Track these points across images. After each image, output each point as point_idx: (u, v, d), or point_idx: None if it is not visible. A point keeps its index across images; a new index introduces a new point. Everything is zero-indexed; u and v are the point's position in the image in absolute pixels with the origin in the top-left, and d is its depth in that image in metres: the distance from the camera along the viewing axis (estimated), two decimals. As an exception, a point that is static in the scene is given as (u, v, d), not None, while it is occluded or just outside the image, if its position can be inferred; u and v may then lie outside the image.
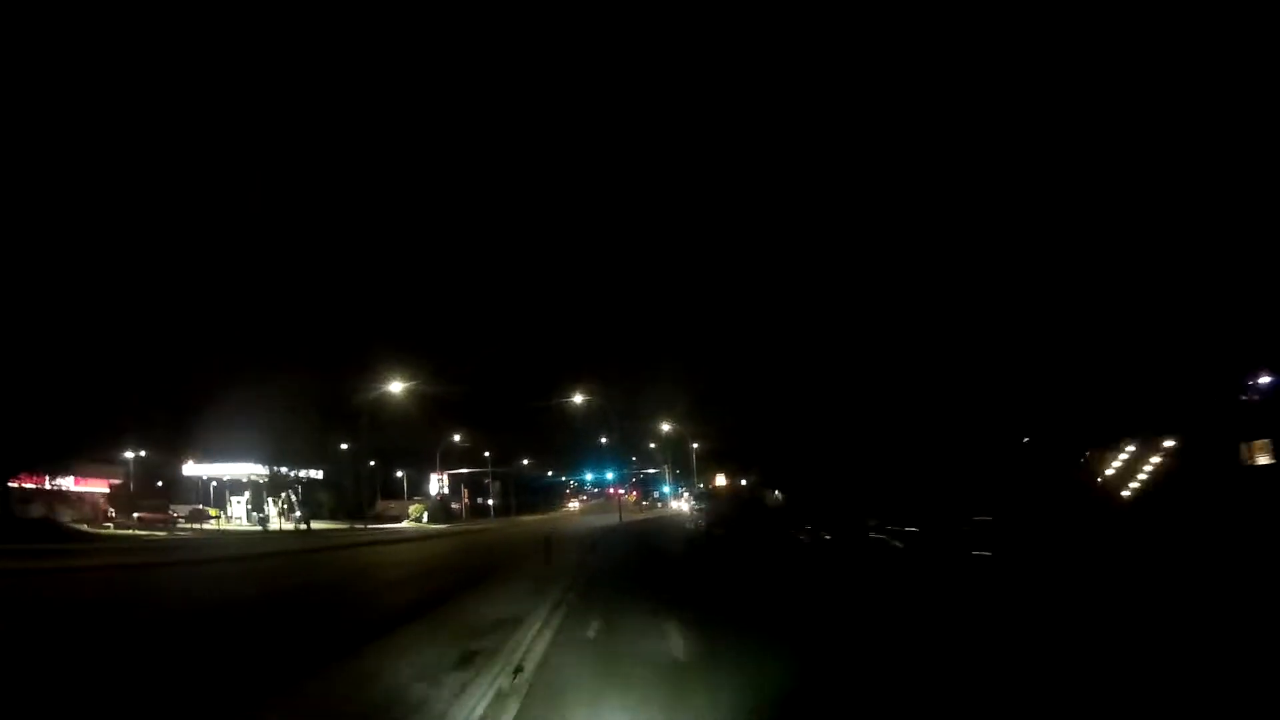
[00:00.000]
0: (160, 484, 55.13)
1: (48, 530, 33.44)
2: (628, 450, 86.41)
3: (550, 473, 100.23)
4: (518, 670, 7.15)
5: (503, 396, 71.73)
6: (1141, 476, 21.16)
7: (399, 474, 72.42)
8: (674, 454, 75.86)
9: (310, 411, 50.95)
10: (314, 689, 6.70)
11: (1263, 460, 18.58)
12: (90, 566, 22.53)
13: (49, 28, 30.78)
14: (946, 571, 16.67)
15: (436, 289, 62.99)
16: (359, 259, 52.58)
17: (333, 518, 55.85)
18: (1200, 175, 21.60)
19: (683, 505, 78.42)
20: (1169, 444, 20.99)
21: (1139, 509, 20.15)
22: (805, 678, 6.87)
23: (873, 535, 24.18)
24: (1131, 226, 22.04)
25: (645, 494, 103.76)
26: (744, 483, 44.24)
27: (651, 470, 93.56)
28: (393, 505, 66.52)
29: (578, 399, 51.38)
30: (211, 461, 54.38)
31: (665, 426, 63.83)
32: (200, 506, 53.44)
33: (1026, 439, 25.56)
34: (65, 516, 43.22)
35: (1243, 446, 19.07)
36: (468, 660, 7.39)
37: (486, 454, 77.83)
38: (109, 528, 42.61)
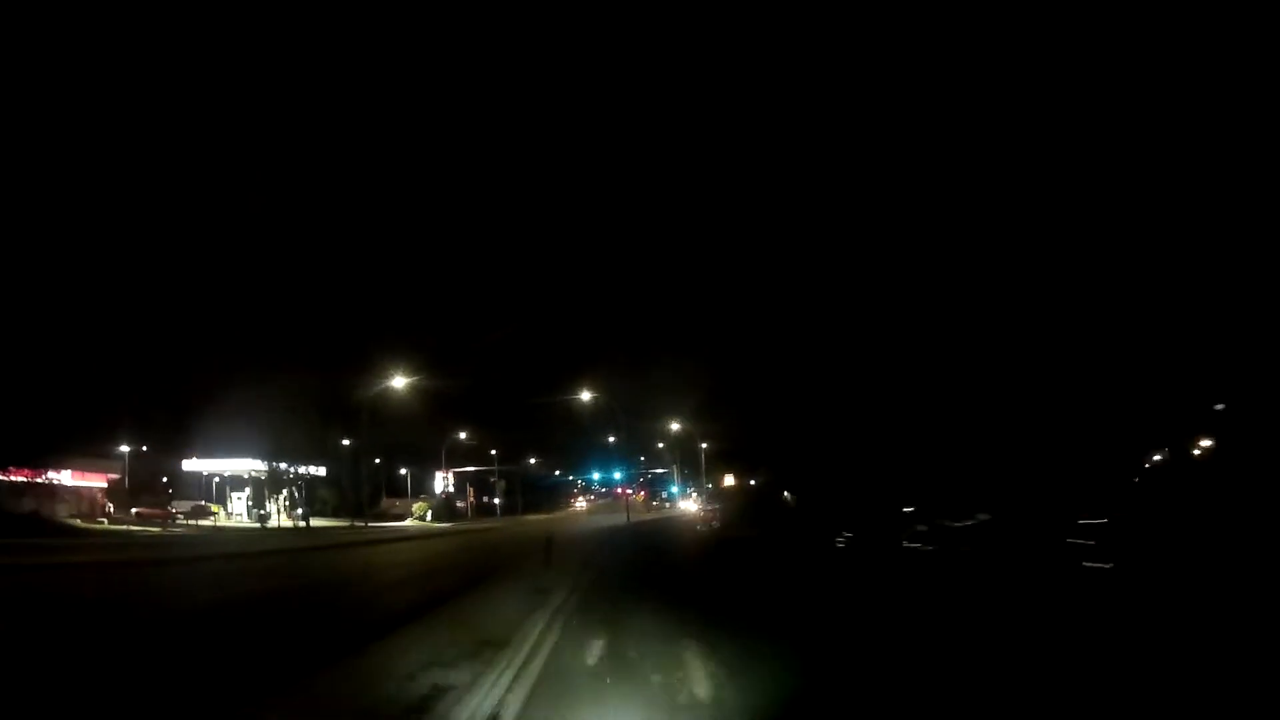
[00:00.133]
0: (165, 480, 54.65)
1: (34, 525, 32.40)
2: (635, 450, 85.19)
3: (557, 472, 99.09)
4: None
5: (509, 394, 70.55)
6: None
7: (402, 471, 71.36)
8: (682, 454, 74.57)
9: (312, 407, 49.89)
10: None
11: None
12: (71, 563, 21.44)
13: (49, 25, 29.78)
14: (1057, 591, 12.98)
15: (443, 284, 61.93)
16: (363, 252, 51.58)
17: (336, 515, 54.73)
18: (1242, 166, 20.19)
19: (691, 505, 77.08)
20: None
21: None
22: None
23: (919, 544, 20.62)
24: (1192, 217, 20.51)
25: (653, 494, 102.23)
26: (752, 483, 42.40)
27: (660, 470, 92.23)
28: (398, 503, 65.42)
29: (585, 396, 50.02)
30: (211, 457, 53.41)
31: (674, 426, 62.46)
32: (202, 503, 52.67)
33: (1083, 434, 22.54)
34: (61, 512, 42.46)
35: None
36: (425, 708, 5.77)
37: (493, 452, 76.77)
38: (103, 523, 41.57)
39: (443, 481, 69.33)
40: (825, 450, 32.28)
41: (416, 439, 64.01)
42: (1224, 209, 20.30)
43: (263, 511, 50.27)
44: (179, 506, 50.75)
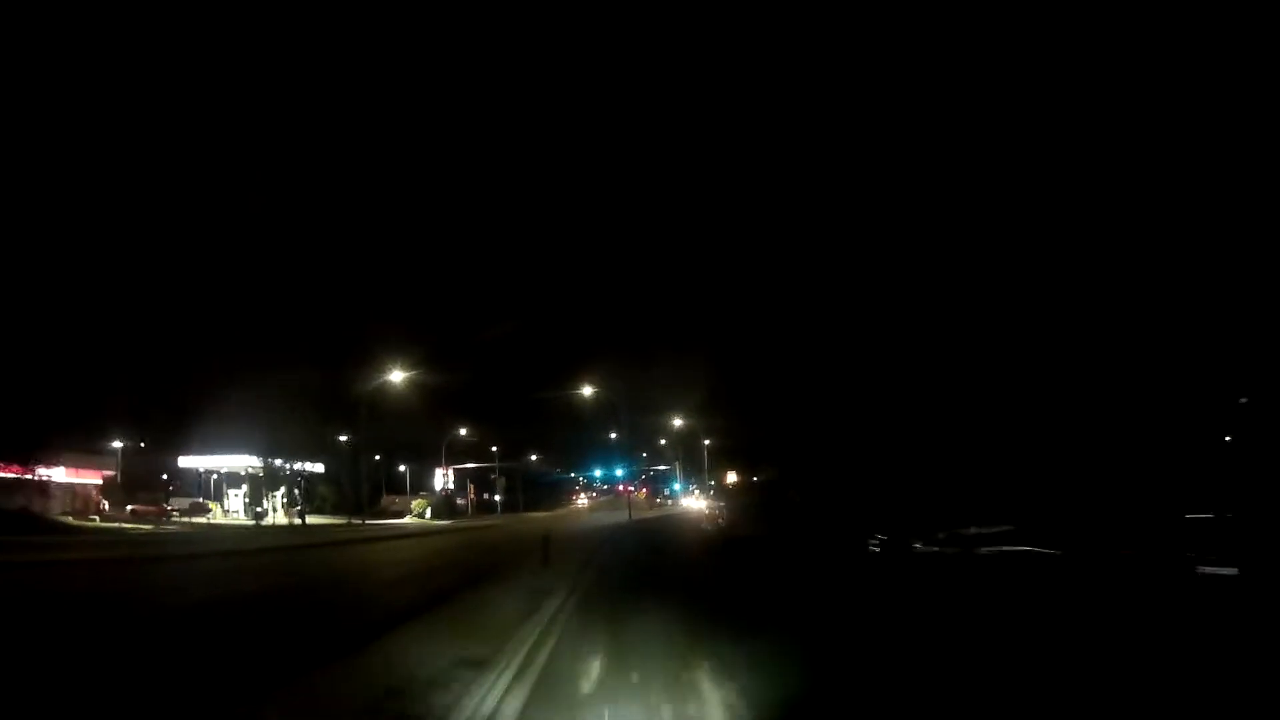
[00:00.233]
0: (165, 476, 54.16)
1: (23, 522, 31.79)
2: (637, 447, 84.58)
3: (558, 469, 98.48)
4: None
5: (511, 390, 69.95)
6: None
7: (401, 468, 70.70)
8: (685, 450, 73.89)
9: (310, 403, 49.12)
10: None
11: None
12: (57, 560, 20.86)
13: (46, 21, 29.03)
14: (1177, 604, 10.67)
15: (443, 279, 61.08)
16: (363, 247, 50.78)
17: (335, 513, 54.02)
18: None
19: (694, 503, 76.34)
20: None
21: None
22: None
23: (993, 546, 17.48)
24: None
25: (655, 491, 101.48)
26: (755, 479, 41.17)
27: (662, 467, 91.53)
28: (398, 500, 64.86)
29: (586, 391, 49.25)
30: (209, 453, 52.77)
31: (676, 422, 61.75)
32: (200, 500, 52.11)
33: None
34: (55, 509, 41.89)
35: None
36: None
37: (494, 449, 76.13)
38: (95, 520, 40.88)
39: (442, 478, 68.62)
40: (837, 444, 30.92)
41: (417, 435, 63.49)
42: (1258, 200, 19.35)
43: (259, 509, 49.51)
44: (176, 504, 50.16)
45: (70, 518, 39.84)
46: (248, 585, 15.75)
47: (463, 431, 68.76)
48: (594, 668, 7.45)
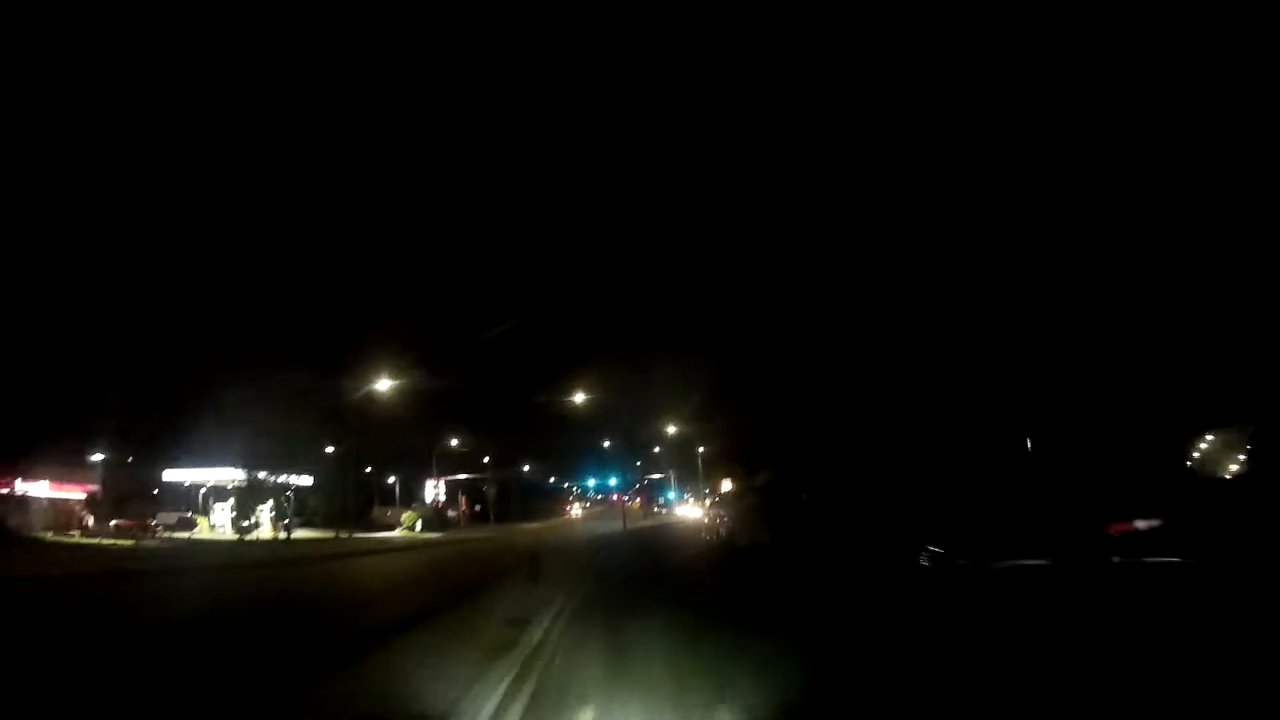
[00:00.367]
0: (156, 491, 53.42)
1: (-8, 537, 30.88)
2: (631, 455, 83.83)
3: (552, 479, 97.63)
4: None
5: (502, 400, 68.94)
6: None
7: (390, 480, 69.74)
8: (679, 458, 73.16)
9: (297, 413, 48.14)
10: None
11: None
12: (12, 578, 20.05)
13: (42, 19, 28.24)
14: None
15: (431, 284, 60.11)
16: (351, 252, 49.79)
17: (327, 525, 53.02)
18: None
19: (690, 511, 75.54)
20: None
21: None
22: None
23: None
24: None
25: (649, 500, 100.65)
26: (755, 483, 39.59)
27: (656, 475, 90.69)
28: (390, 512, 63.79)
29: (579, 398, 48.42)
30: (193, 466, 51.89)
31: (671, 429, 61.01)
32: (187, 514, 51.29)
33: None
34: (37, 524, 41.05)
35: None
36: None
37: (486, 459, 75.26)
38: (74, 535, 39.90)
39: (433, 490, 67.66)
40: (850, 444, 28.53)
41: (408, 446, 62.60)
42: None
43: (245, 523, 48.53)
44: (164, 518, 49.26)
45: (49, 533, 38.78)
46: (181, 610, 14.62)
47: (454, 441, 67.91)
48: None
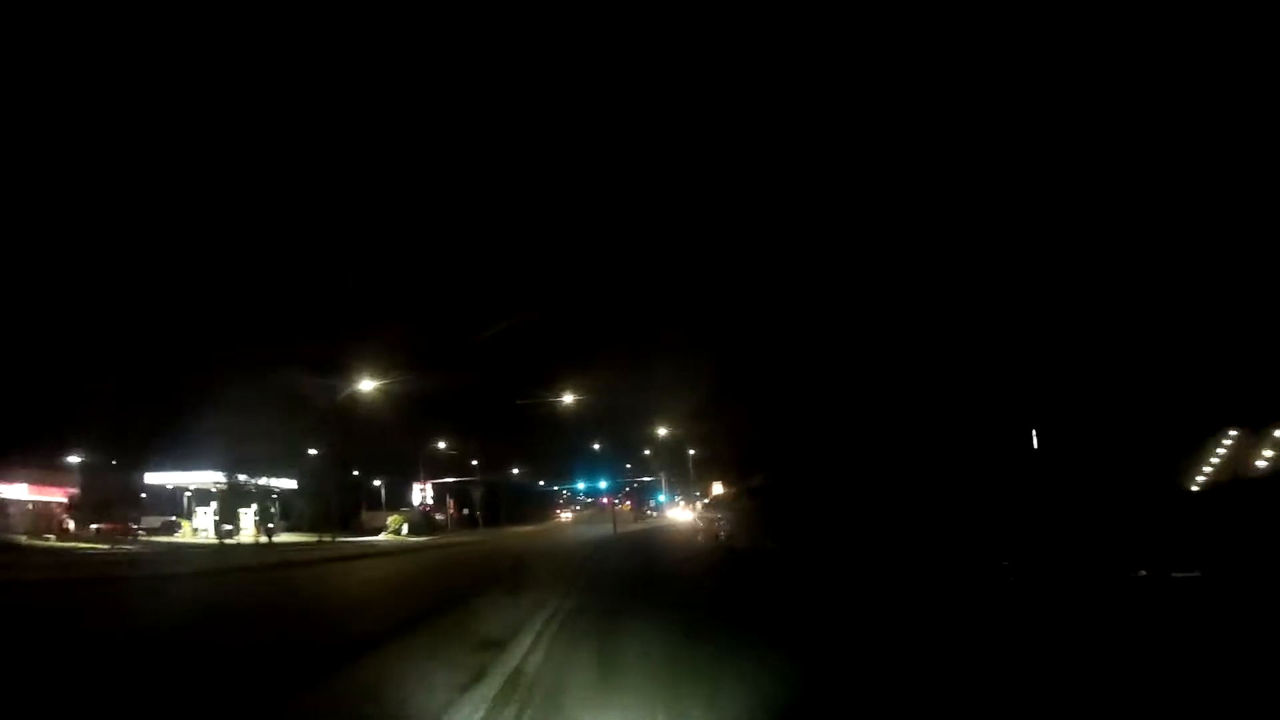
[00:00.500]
0: (144, 495, 52.84)
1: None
2: (621, 458, 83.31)
3: (541, 482, 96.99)
4: None
5: (491, 402, 68.24)
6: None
7: (376, 483, 69.04)
8: (671, 460, 72.69)
9: (281, 415, 47.46)
10: None
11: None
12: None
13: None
14: None
15: (419, 284, 59.46)
16: (337, 250, 49.10)
17: (313, 529, 52.30)
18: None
19: (681, 514, 75.07)
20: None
21: None
22: None
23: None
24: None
25: (640, 503, 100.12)
26: (753, 485, 38.52)
27: (646, 478, 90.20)
28: (379, 516, 63.18)
29: (568, 399, 47.85)
30: (175, 469, 51.14)
31: (661, 431, 60.51)
32: (172, 518, 50.91)
33: None
34: (16, 526, 40.40)
35: None
36: None
37: (474, 462, 74.67)
38: (50, 539, 39.11)
39: (420, 493, 66.97)
40: (850, 445, 27.19)
41: (395, 449, 62.01)
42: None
43: (227, 527, 47.80)
44: (148, 522, 48.87)
45: (24, 537, 37.98)
46: (128, 620, 13.64)
47: (442, 444, 67.30)
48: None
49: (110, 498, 49.19)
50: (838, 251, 28.92)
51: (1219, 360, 16.89)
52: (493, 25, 31.20)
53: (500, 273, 64.66)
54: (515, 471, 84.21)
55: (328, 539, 44.25)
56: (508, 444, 75.09)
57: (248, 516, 51.88)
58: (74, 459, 48.32)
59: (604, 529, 56.38)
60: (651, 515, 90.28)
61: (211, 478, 50.21)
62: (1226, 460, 15.15)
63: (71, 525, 44.55)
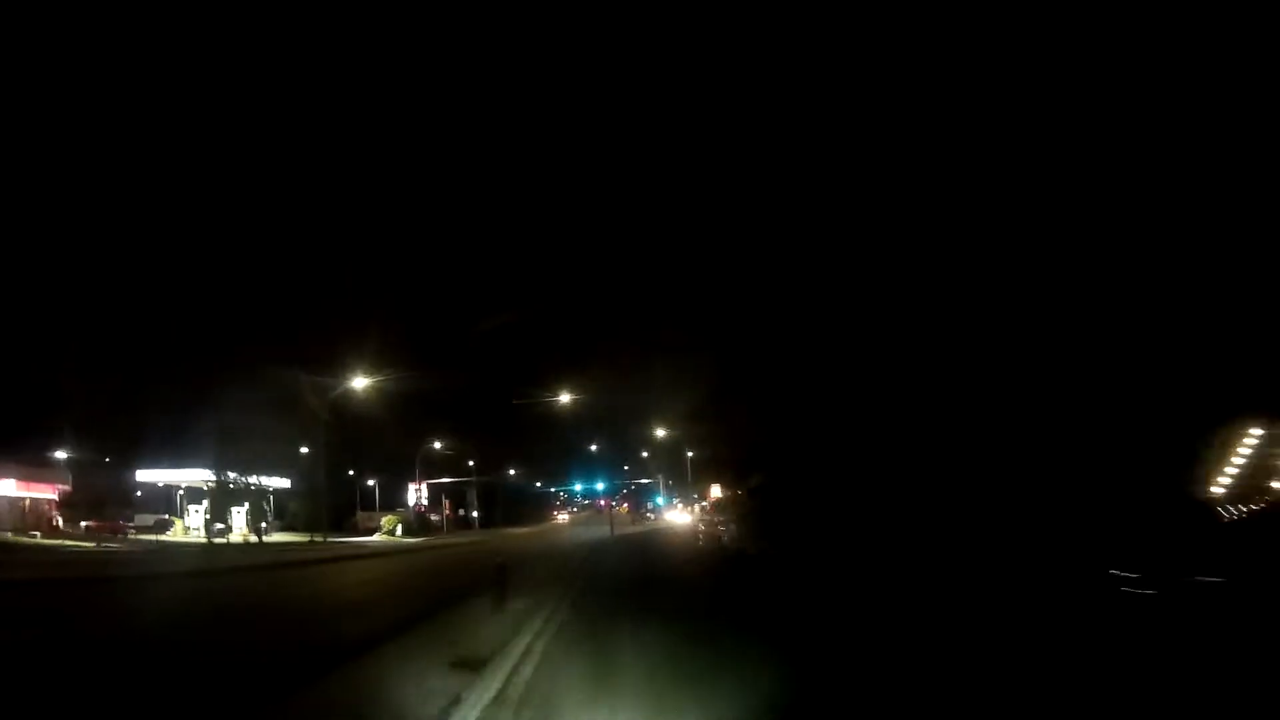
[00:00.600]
0: (139, 494, 52.31)
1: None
2: (618, 460, 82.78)
3: (538, 483, 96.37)
4: None
5: (488, 403, 67.61)
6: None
7: (371, 483, 68.38)
8: (669, 462, 72.12)
9: (274, 413, 46.89)
10: None
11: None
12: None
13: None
14: None
15: (414, 283, 58.95)
16: (332, 247, 48.64)
17: (307, 529, 51.67)
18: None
19: (679, 517, 74.49)
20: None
21: None
22: None
23: None
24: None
25: (638, 505, 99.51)
26: (755, 486, 37.63)
27: (644, 480, 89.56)
28: (373, 516, 62.55)
29: (565, 398, 47.24)
30: (167, 467, 50.48)
31: (660, 432, 59.90)
32: (165, 516, 50.23)
33: None
34: (6, 522, 39.68)
35: None
36: None
37: (471, 463, 74.04)
38: (36, 537, 38.36)
39: (415, 493, 66.30)
40: (852, 446, 26.49)
41: (392, 449, 61.42)
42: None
43: (218, 525, 47.13)
44: (141, 520, 48.22)
45: (10, 534, 37.31)
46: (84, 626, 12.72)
47: (438, 444, 66.65)
48: None
49: (102, 495, 48.70)
50: (837, 252, 28.39)
51: (1238, 351, 16.20)
52: (495, 26, 30.76)
53: (498, 272, 64.23)
54: (512, 473, 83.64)
55: (319, 539, 43.62)
56: (505, 445, 74.54)
57: (239, 515, 51.25)
58: (65, 455, 47.65)
59: (601, 531, 55.83)
60: (649, 517, 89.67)
61: (203, 476, 49.59)
62: (1251, 463, 14.45)
63: (60, 522, 43.87)
